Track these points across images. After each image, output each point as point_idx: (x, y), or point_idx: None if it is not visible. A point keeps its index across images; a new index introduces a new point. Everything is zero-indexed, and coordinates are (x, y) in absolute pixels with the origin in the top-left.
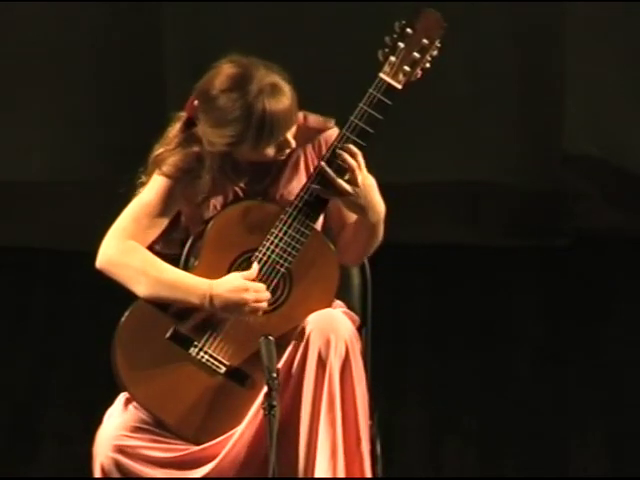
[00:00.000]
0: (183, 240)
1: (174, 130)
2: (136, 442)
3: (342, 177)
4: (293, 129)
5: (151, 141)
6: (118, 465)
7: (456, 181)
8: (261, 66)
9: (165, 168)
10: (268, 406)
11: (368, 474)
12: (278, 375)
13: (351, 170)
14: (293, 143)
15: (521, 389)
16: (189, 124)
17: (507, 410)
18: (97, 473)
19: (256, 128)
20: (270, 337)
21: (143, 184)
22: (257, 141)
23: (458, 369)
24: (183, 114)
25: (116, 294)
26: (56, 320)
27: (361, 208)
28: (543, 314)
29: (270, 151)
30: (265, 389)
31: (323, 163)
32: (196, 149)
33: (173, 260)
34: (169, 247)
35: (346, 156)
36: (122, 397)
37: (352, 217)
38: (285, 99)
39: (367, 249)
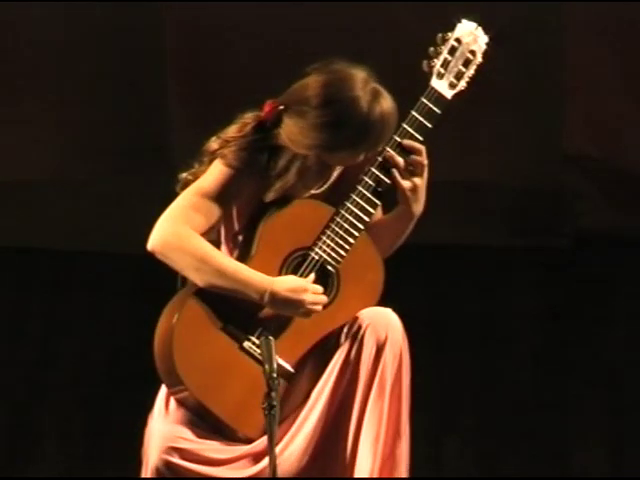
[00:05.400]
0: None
1: (245, 129)
2: (187, 443)
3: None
4: None
5: (151, 141)
6: (171, 466)
7: (456, 181)
8: (359, 71)
9: (233, 161)
10: (268, 406)
11: (401, 474)
12: (278, 375)
13: (419, 164)
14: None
15: (521, 389)
16: (262, 126)
17: (507, 410)
18: (149, 474)
19: (366, 134)
20: (270, 337)
21: (189, 180)
22: (366, 146)
23: (458, 369)
24: (249, 115)
25: (116, 294)
26: (56, 320)
27: (418, 199)
28: (543, 314)
29: (363, 155)
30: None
31: (390, 152)
32: (266, 151)
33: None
34: (207, 233)
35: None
36: (161, 398)
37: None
38: (390, 102)
39: (394, 246)
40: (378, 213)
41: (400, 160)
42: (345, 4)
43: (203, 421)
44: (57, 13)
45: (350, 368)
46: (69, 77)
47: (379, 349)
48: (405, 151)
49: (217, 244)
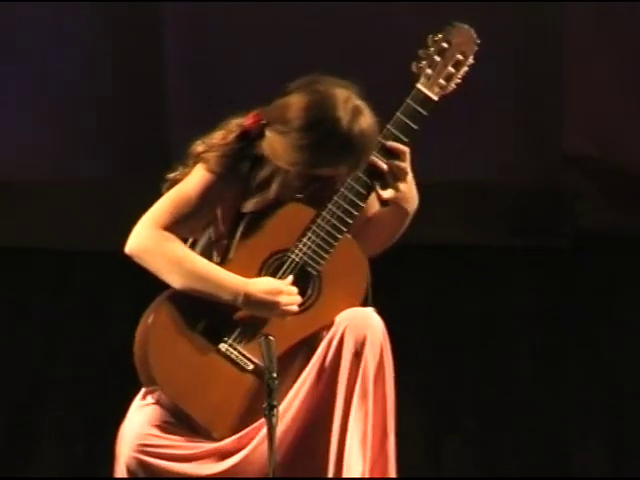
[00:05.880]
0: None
1: (229, 137)
2: (158, 440)
3: (385, 180)
4: None
5: (150, 141)
6: (142, 464)
7: (456, 181)
8: (341, 90)
9: (215, 166)
10: (268, 406)
11: (392, 472)
12: (278, 375)
13: (401, 170)
14: None
15: (521, 389)
16: (246, 136)
17: (507, 410)
18: (121, 473)
19: (346, 153)
20: (270, 337)
21: (177, 180)
22: (347, 164)
23: (458, 369)
24: (233, 122)
25: (116, 294)
26: (56, 320)
27: (407, 199)
28: (543, 314)
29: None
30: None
31: (375, 157)
32: (248, 160)
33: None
34: (193, 234)
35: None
36: (139, 397)
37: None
38: (370, 120)
39: (393, 239)
40: (375, 206)
41: (383, 165)
42: (346, 4)
43: (179, 421)
44: (57, 13)
45: (329, 370)
46: (69, 77)
47: (358, 350)
48: (390, 153)
49: (210, 248)
